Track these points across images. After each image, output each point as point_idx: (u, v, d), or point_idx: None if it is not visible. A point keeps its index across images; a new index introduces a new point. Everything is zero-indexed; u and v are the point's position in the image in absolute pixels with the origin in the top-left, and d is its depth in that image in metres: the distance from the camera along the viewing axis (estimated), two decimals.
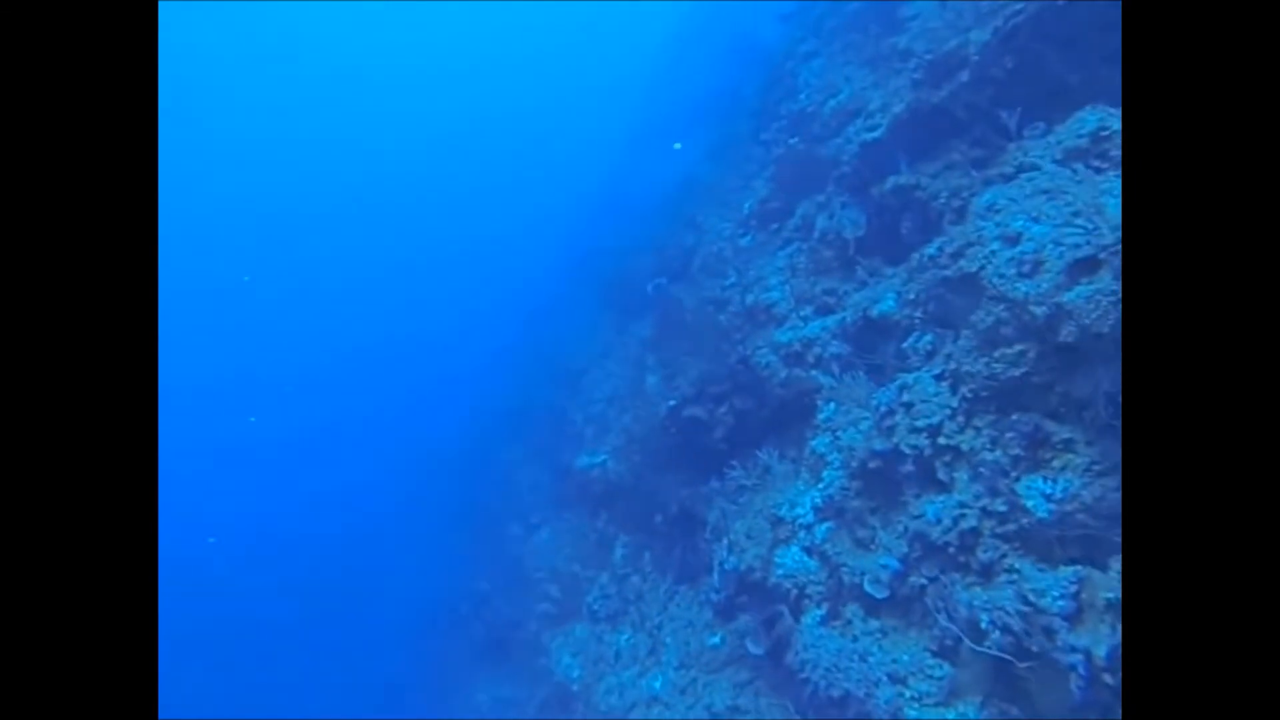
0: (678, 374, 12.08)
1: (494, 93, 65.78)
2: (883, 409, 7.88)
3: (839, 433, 8.89)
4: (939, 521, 6.96)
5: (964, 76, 8.26)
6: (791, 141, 11.96)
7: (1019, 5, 7.65)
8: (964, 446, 6.84)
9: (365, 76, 67.40)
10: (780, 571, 8.94)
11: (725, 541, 9.90)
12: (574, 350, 20.38)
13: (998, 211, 7.29)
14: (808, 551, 8.83)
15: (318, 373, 53.08)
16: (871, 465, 7.96)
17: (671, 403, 11.64)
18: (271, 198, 64.13)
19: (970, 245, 7.29)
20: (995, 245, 6.90)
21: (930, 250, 8.52)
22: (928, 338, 8.18)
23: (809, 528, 8.90)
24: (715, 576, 10.15)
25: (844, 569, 8.19)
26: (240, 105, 64.27)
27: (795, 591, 8.70)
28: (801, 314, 10.44)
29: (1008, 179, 7.65)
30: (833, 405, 9.25)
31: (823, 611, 8.44)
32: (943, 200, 8.57)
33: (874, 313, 9.10)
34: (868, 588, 7.83)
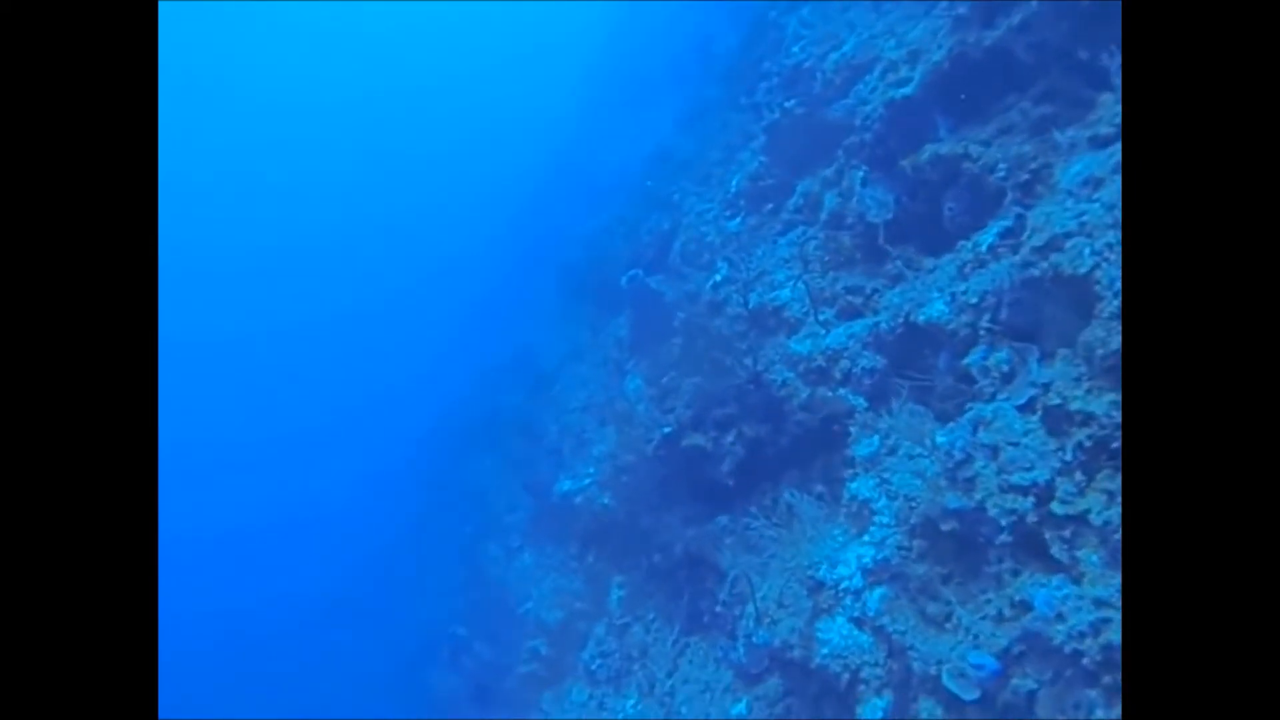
0: (670, 393, 10.24)
1: (431, 52, 62.54)
2: (955, 453, 6.07)
3: (888, 476, 7.10)
4: (1060, 618, 5.17)
5: (1032, 6, 6.37)
6: (787, 105, 10.07)
7: None
8: (1094, 518, 5.04)
9: (301, 45, 64.11)
10: (825, 650, 7.17)
11: (752, 609, 8.13)
12: (542, 348, 18.53)
13: (1102, 186, 5.49)
14: (858, 624, 7.06)
15: (258, 380, 50.09)
16: (945, 527, 6.17)
17: (667, 430, 9.80)
18: (215, 194, 61.19)
19: (1069, 235, 5.47)
20: (1112, 236, 5.10)
21: (987, 238, 6.74)
22: (1002, 354, 6.36)
23: (857, 594, 7.13)
24: (741, 649, 8.38)
25: (911, 653, 6.44)
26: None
27: (847, 675, 6.95)
28: (821, 318, 8.62)
29: (1105, 142, 5.83)
30: (875, 439, 7.45)
31: (885, 702, 6.72)
32: (1003, 173, 6.72)
33: (918, 318, 7.28)
34: (949, 683, 6.08)
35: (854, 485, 7.40)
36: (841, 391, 8.09)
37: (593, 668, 11.46)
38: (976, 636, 5.90)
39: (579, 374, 15.78)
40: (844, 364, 8.12)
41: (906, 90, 7.74)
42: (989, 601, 5.93)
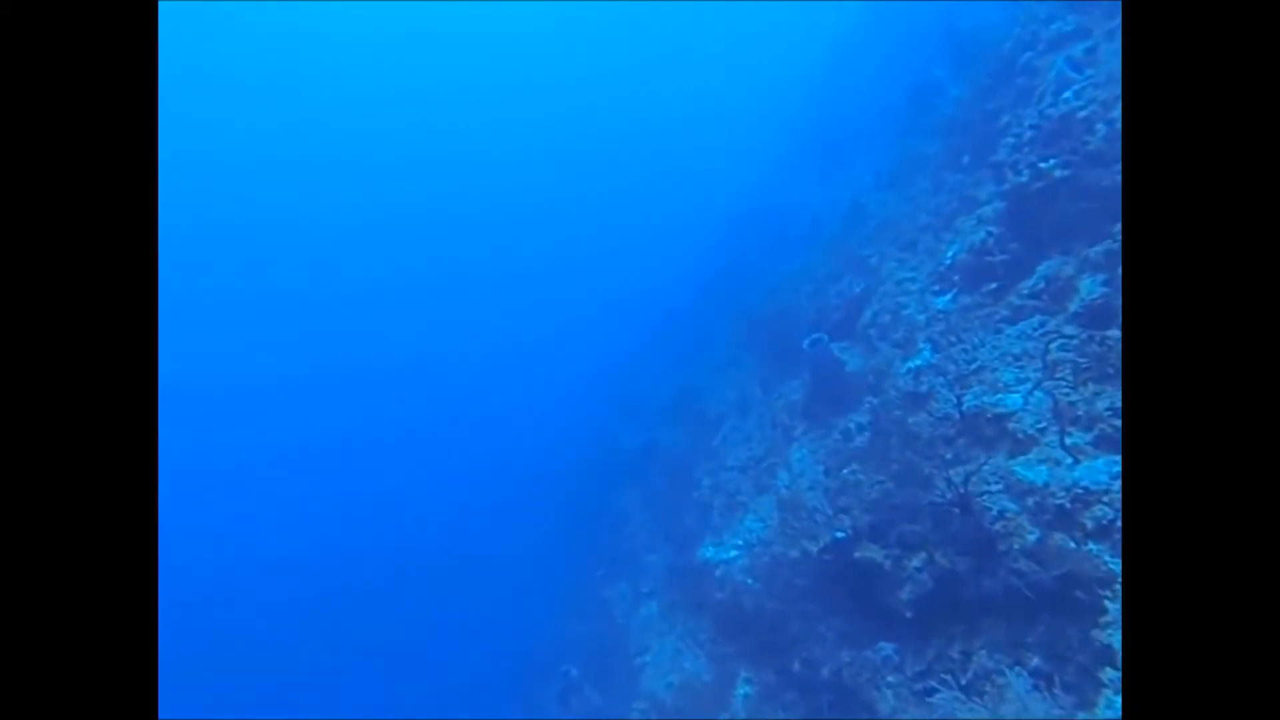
0: (849, 489, 7.82)
1: (635, 91, 61.38)
2: None
3: None
4: None
5: None
6: (1043, 165, 7.46)
7: None
8: None
9: (500, 74, 64.52)
10: None
11: None
12: (707, 393, 16.29)
13: None
14: None
15: (417, 383, 49.59)
16: None
17: (840, 534, 7.41)
18: (394, 198, 62.42)
19: None
20: None
21: None
22: None
23: None
24: None
25: None
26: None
27: None
28: (1068, 442, 6.00)
29: None
30: None
31: None
32: None
33: None
34: None
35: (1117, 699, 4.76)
36: (1093, 547, 5.45)
37: None
38: None
39: (742, 429, 13.50)
40: (1101, 511, 5.48)
41: None
42: None
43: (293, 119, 60.63)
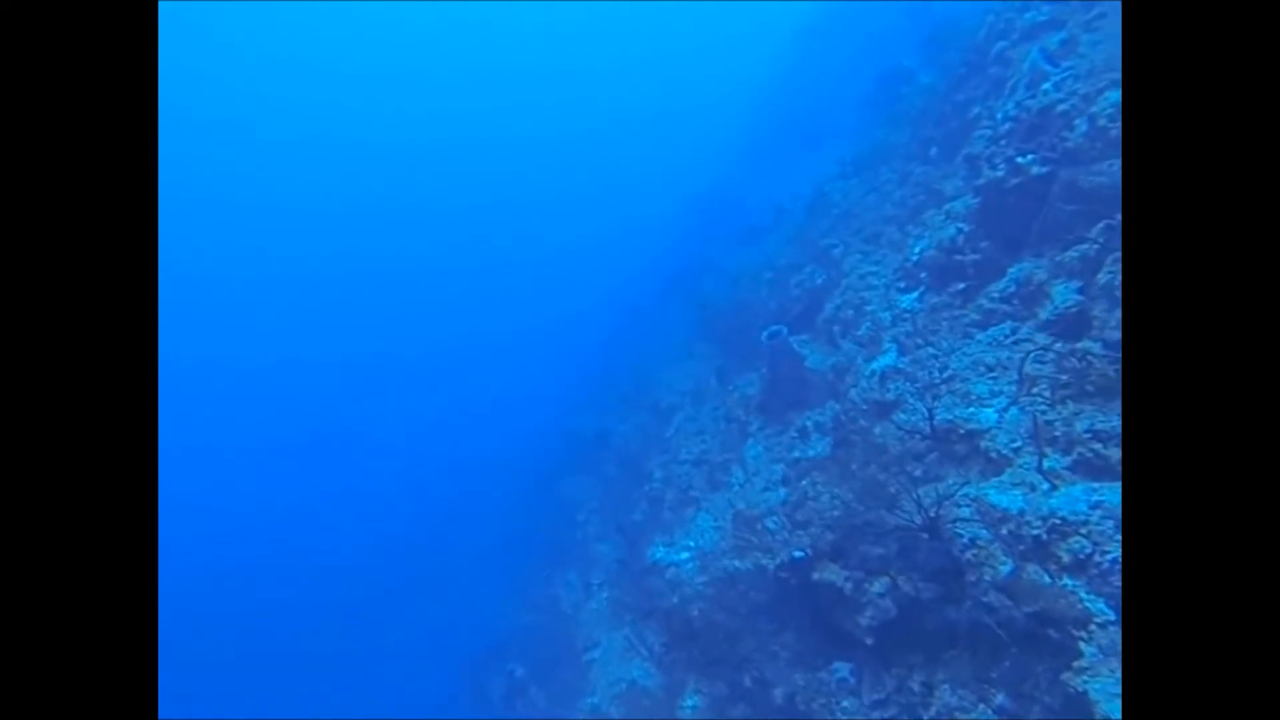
0: (808, 503, 7.28)
1: (601, 77, 60.24)
2: None
3: None
4: None
5: None
6: (1020, 161, 6.92)
7: None
8: None
9: (470, 70, 63.20)
10: None
11: None
12: (661, 381, 15.69)
13: None
14: None
15: (374, 372, 48.14)
16: None
17: (798, 554, 6.88)
18: (344, 194, 61.03)
19: None
20: None
21: None
22: None
23: None
24: None
25: None
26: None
27: None
28: (1046, 465, 5.50)
29: None
30: None
31: None
32: None
33: None
34: None
35: None
36: (1069, 582, 4.98)
37: None
38: None
39: (697, 421, 12.94)
40: (1078, 543, 5.00)
41: None
42: None
43: (273, 114, 59.45)
